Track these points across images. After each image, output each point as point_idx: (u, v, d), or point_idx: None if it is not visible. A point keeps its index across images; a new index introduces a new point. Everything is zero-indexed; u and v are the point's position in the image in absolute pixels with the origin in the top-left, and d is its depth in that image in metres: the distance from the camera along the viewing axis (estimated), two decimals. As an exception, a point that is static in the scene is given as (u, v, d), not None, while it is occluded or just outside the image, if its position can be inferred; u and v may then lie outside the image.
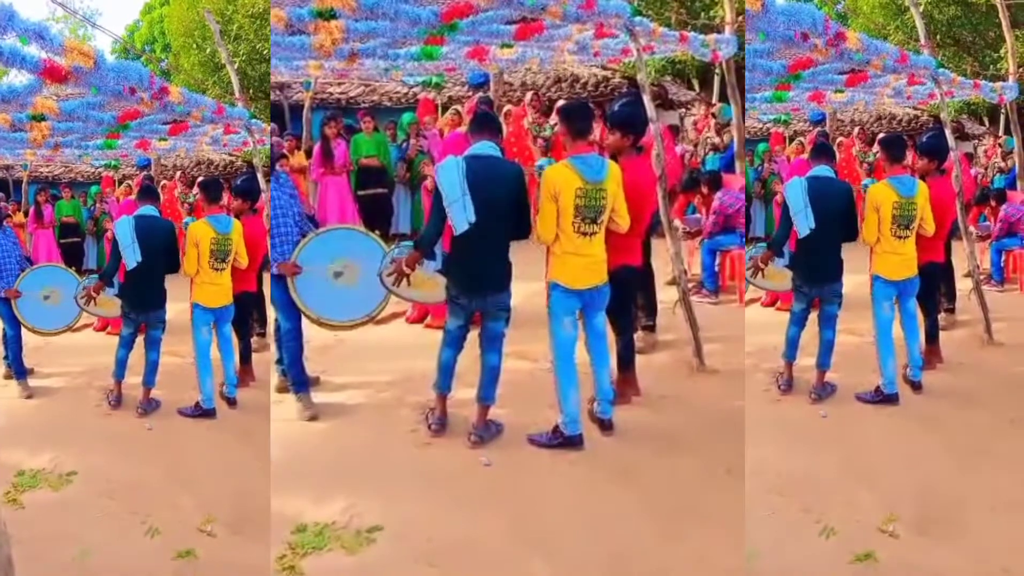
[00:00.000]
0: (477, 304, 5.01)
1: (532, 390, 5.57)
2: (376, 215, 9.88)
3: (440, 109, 11.07)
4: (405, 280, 5.14)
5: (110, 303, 7.10)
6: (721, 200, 8.19)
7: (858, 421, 5.67)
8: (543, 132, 9.88)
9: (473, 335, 5.13)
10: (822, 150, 6.28)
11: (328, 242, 5.62)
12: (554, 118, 9.20)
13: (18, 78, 6.94)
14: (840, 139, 9.74)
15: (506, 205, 4.89)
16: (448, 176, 4.80)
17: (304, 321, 5.63)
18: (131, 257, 6.62)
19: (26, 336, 7.71)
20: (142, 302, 6.83)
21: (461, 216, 4.79)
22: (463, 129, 7.02)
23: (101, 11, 45.19)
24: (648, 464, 4.80)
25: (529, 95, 10.74)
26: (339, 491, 4.54)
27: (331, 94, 12.90)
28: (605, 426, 5.11)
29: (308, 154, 10.16)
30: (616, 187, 4.92)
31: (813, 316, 6.04)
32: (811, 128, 10.35)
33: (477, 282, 4.98)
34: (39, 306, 7.56)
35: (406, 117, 10.08)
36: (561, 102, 4.69)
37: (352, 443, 5.28)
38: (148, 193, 7.11)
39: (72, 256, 9.70)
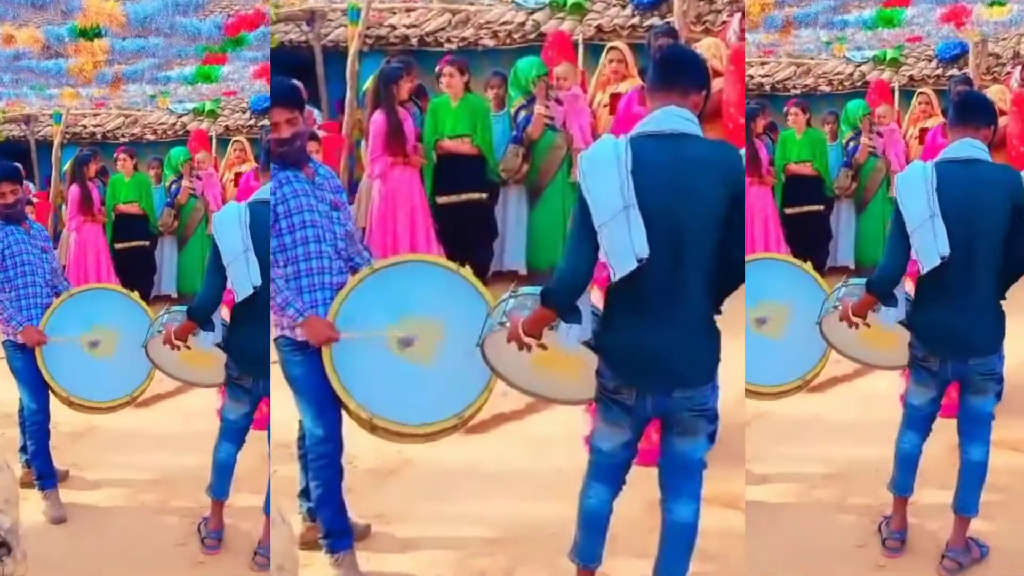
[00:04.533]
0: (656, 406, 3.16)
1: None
2: (135, 273, 7.76)
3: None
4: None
5: (206, 358, 4.45)
6: None
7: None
8: None
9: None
10: (967, 109, 3.89)
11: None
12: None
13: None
14: (997, 87, 6.68)
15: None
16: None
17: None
18: (243, 279, 3.97)
19: (60, 413, 4.99)
20: (262, 358, 4.08)
21: (629, 246, 2.94)
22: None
23: None
24: None
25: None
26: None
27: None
28: None
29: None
30: None
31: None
32: (938, 70, 7.26)
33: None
34: (81, 359, 4.90)
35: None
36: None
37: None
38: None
39: (135, 271, 6.97)
